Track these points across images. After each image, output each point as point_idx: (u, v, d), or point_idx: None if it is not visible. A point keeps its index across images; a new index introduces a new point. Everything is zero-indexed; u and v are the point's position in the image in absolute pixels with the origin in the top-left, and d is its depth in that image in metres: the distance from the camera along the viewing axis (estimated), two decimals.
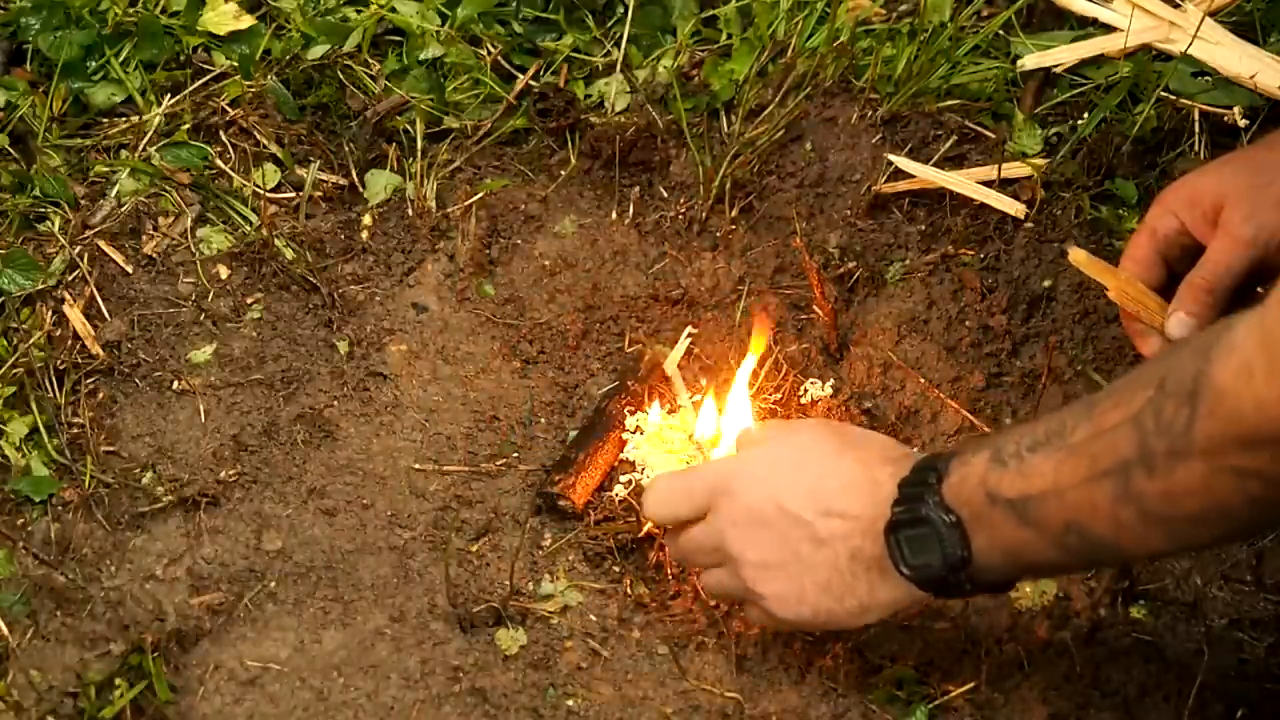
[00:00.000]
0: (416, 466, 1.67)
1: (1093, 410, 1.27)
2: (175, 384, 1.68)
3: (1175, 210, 1.53)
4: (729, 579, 1.46)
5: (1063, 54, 1.84)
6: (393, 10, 1.88)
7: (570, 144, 1.85)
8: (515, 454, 1.70)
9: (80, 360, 1.67)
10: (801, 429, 1.50)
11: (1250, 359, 1.14)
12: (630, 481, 1.65)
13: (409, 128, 1.84)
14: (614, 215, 1.82)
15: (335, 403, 1.69)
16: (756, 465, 1.46)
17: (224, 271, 1.75)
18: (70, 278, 1.71)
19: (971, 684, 1.51)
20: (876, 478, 1.38)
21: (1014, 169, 1.77)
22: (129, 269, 1.74)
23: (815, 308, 1.75)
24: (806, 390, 1.72)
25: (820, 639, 1.54)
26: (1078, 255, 1.52)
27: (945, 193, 1.77)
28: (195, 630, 1.52)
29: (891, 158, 1.77)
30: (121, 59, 1.84)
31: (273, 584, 1.56)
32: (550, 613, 1.56)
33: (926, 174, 1.77)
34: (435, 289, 1.77)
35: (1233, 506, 1.20)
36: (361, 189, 1.82)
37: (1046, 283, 1.72)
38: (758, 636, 1.55)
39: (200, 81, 1.84)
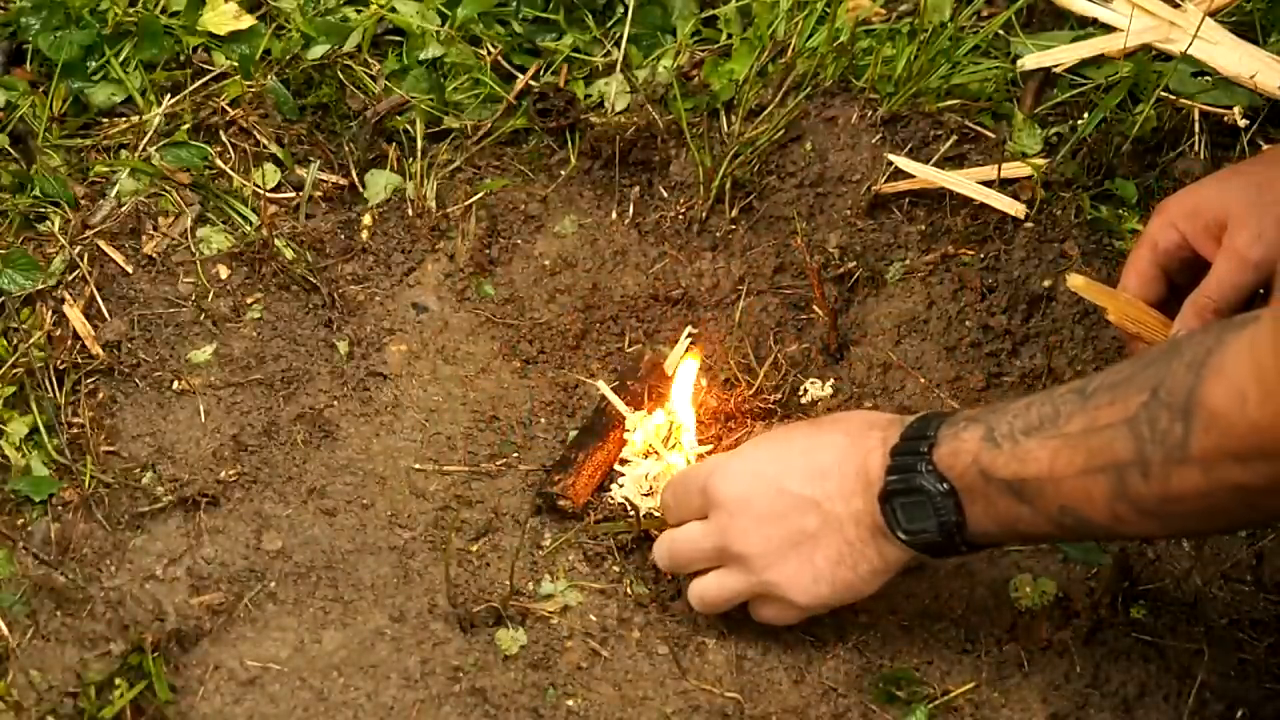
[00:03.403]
0: (416, 466, 1.67)
1: (1086, 403, 1.29)
2: (175, 384, 1.68)
3: (1176, 222, 1.53)
4: (735, 579, 1.47)
5: (1063, 54, 1.84)
6: (393, 10, 1.88)
7: (570, 144, 1.85)
8: (515, 454, 1.69)
9: (80, 360, 1.66)
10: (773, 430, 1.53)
11: (1242, 384, 1.17)
12: (624, 484, 1.66)
13: (409, 128, 1.84)
14: (614, 215, 1.82)
15: (335, 403, 1.69)
16: (742, 459, 1.49)
17: (224, 271, 1.75)
18: (70, 278, 1.71)
19: (971, 684, 1.51)
20: (865, 445, 1.41)
21: (1014, 169, 1.77)
22: (129, 269, 1.74)
23: (815, 308, 1.75)
24: (806, 390, 1.73)
25: (821, 640, 1.54)
26: (1075, 281, 1.52)
27: (945, 193, 1.77)
28: (195, 630, 1.52)
29: (891, 158, 1.77)
30: (121, 59, 1.84)
31: (273, 584, 1.56)
32: (550, 613, 1.56)
33: (926, 174, 1.77)
34: (435, 289, 1.77)
35: (1228, 508, 1.24)
36: (361, 189, 1.82)
37: (1046, 283, 1.72)
38: (757, 636, 1.55)
39: (200, 81, 1.84)
